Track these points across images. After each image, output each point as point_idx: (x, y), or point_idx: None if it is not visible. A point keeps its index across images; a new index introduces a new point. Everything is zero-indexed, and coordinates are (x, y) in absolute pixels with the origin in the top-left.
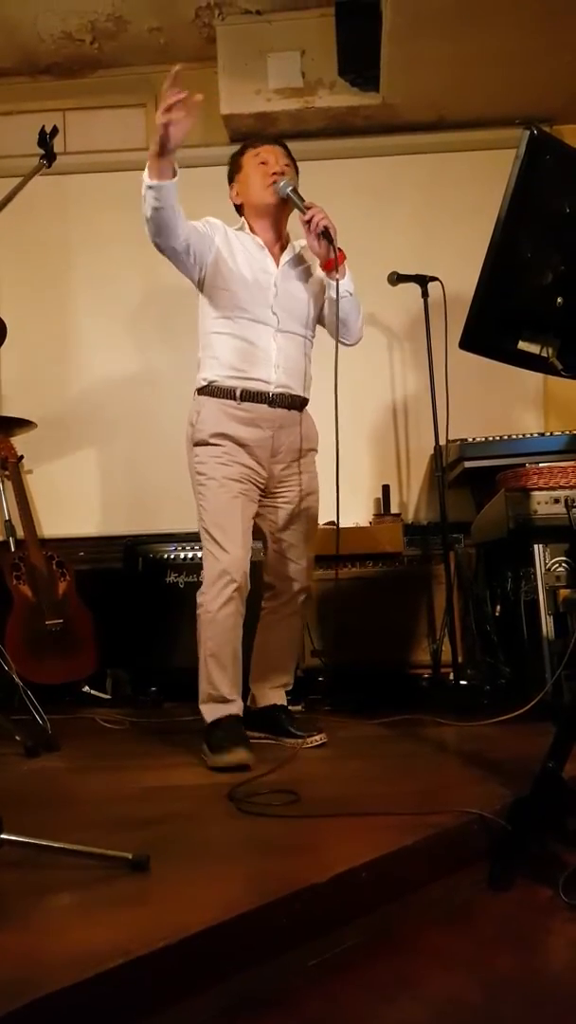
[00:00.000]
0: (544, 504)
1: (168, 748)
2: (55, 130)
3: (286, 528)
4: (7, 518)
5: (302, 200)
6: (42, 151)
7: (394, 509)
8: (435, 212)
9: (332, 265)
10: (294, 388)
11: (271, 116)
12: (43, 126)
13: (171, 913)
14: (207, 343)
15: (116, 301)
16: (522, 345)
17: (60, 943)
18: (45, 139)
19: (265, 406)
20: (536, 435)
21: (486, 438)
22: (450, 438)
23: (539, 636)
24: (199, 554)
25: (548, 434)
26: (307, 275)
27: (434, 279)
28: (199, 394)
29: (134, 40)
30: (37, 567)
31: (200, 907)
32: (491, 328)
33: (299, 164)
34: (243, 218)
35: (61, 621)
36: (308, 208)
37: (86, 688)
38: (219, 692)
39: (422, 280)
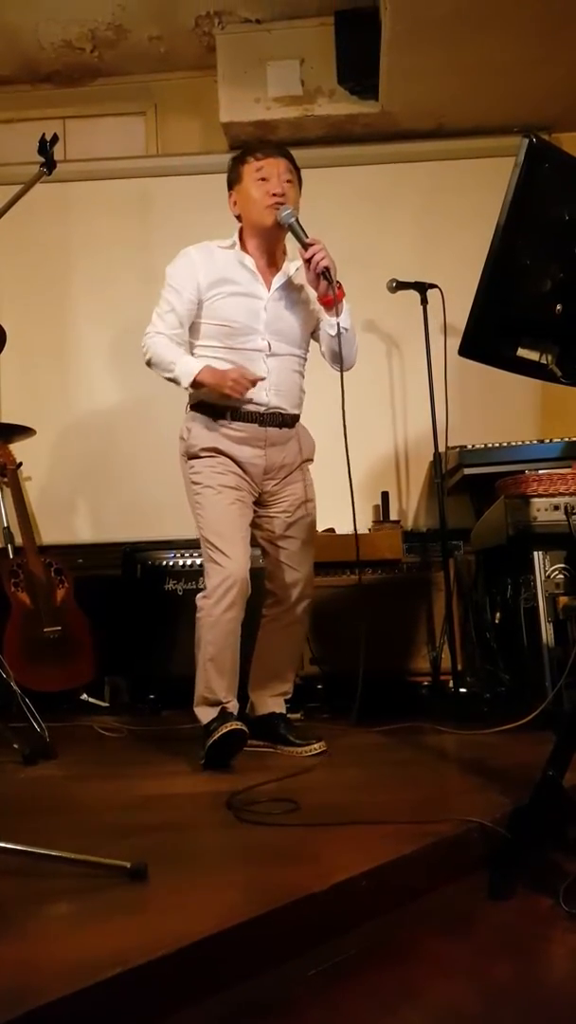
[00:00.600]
0: (543, 511)
1: (166, 756)
2: (55, 138)
3: (284, 536)
4: (6, 525)
5: (304, 234)
6: (42, 159)
7: (393, 516)
8: (434, 219)
9: (331, 303)
10: (286, 408)
11: (270, 124)
12: (43, 134)
13: (170, 922)
14: None
15: (116, 308)
16: (521, 352)
17: (58, 952)
18: (45, 147)
19: (256, 425)
20: (535, 442)
21: (485, 445)
22: (449, 445)
23: (539, 643)
24: (198, 561)
25: (547, 441)
26: (300, 296)
27: (433, 286)
28: (191, 409)
29: (134, 48)
30: (35, 574)
31: (199, 916)
32: (490, 335)
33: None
34: (238, 229)
35: (59, 628)
36: (309, 244)
37: (84, 696)
38: (215, 696)
39: (421, 287)
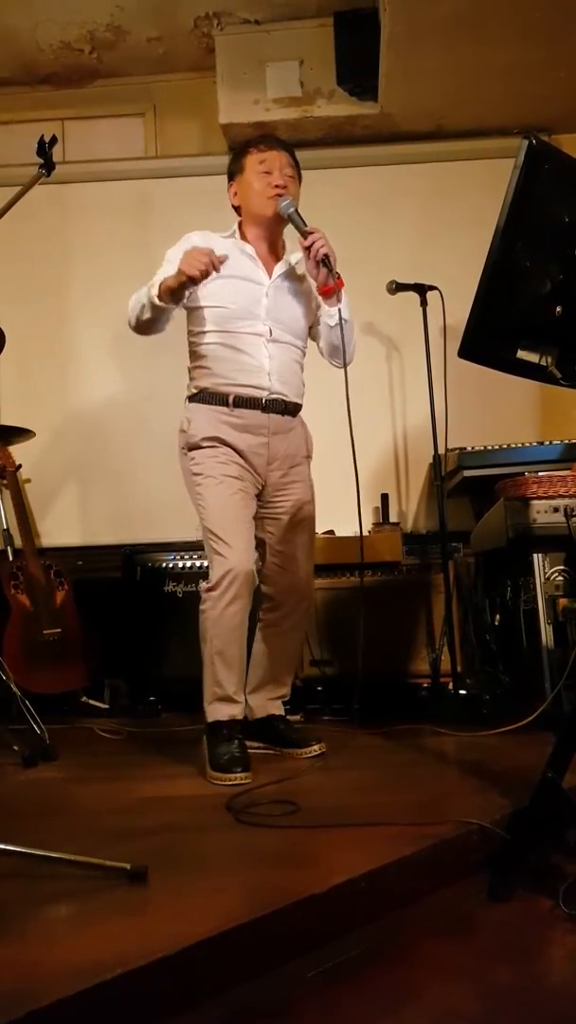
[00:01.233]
0: (543, 513)
1: (166, 758)
2: (54, 139)
3: (286, 539)
4: (5, 527)
5: (304, 223)
6: (41, 160)
7: (393, 518)
8: (434, 221)
9: (330, 292)
10: (288, 395)
11: (270, 125)
12: (42, 135)
13: (169, 924)
14: (197, 353)
15: (115, 309)
16: (521, 354)
17: (57, 954)
18: (44, 148)
19: (258, 412)
20: (535, 444)
21: (485, 447)
22: (449, 447)
23: (538, 645)
24: (198, 563)
25: (547, 443)
26: (300, 288)
27: (433, 288)
28: (190, 401)
29: (133, 50)
30: (35, 576)
31: (199, 918)
32: (490, 337)
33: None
34: (237, 221)
35: (59, 631)
36: (309, 233)
37: (84, 698)
38: (226, 692)
39: (421, 289)
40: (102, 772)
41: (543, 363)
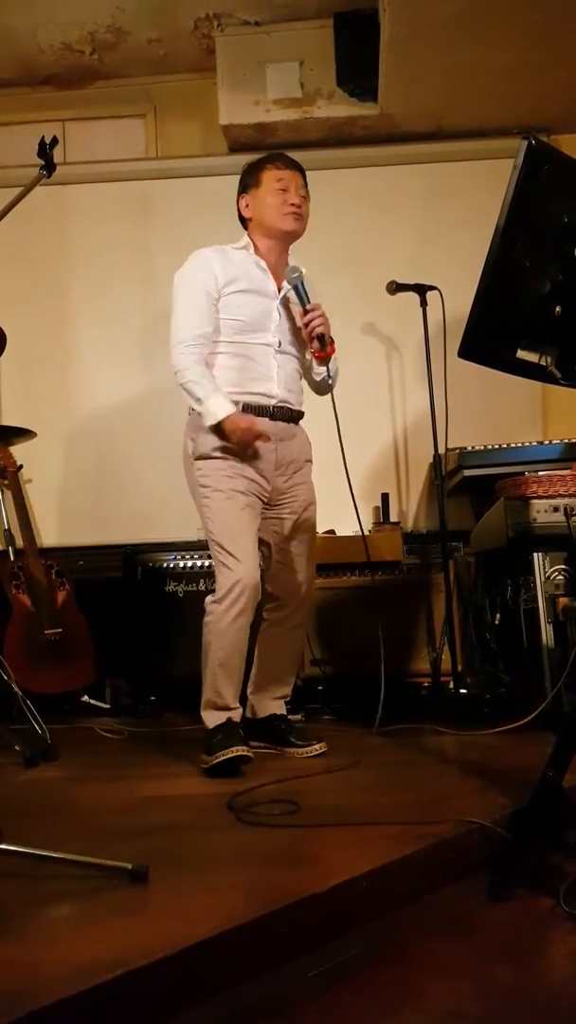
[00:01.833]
0: (543, 512)
1: (167, 758)
2: (55, 140)
3: (290, 540)
4: (6, 527)
5: (308, 299)
6: (42, 161)
7: (393, 517)
8: (434, 221)
9: (321, 357)
10: (293, 403)
11: (270, 126)
12: (43, 136)
13: (170, 924)
14: (208, 362)
15: (115, 310)
16: (521, 354)
17: (58, 954)
18: (45, 149)
19: (267, 419)
20: (535, 443)
21: (485, 446)
22: (449, 446)
23: (539, 644)
24: (199, 563)
25: (547, 442)
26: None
27: (433, 288)
28: None
29: (134, 51)
30: (36, 576)
31: (199, 917)
32: (490, 337)
33: None
34: (247, 233)
35: (60, 630)
36: (310, 310)
37: (85, 697)
38: (223, 700)
39: (421, 289)
40: (103, 772)
41: (543, 363)
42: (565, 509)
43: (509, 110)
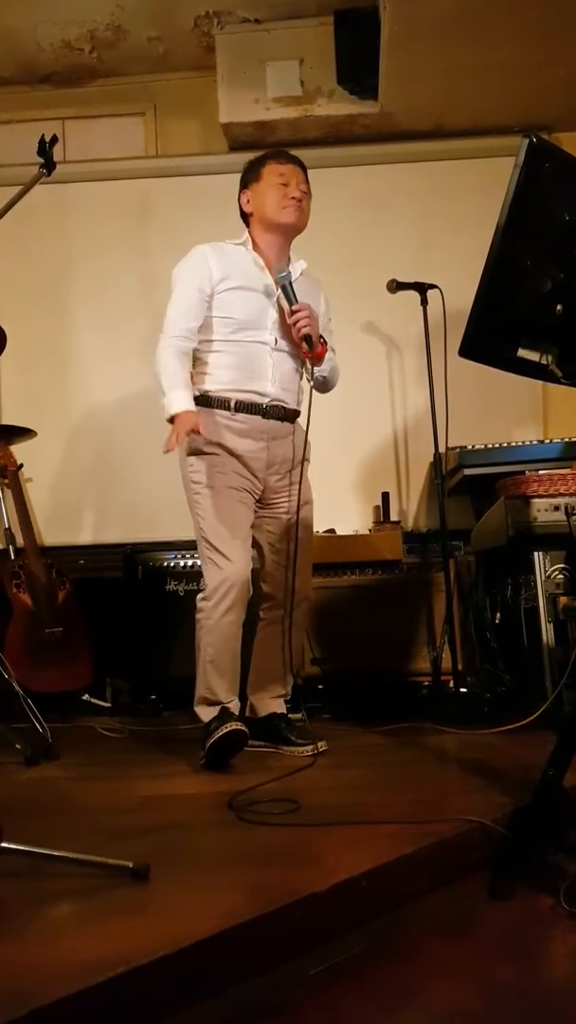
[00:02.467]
0: (544, 511)
1: (168, 756)
2: (54, 139)
3: (286, 539)
4: (7, 526)
5: (295, 299)
6: (41, 160)
7: (394, 517)
8: (434, 220)
9: (310, 357)
10: (288, 402)
11: (270, 125)
12: (43, 135)
13: (171, 922)
14: (202, 359)
15: (116, 308)
16: (521, 352)
17: (59, 952)
18: (44, 148)
19: (259, 417)
20: (535, 442)
21: (485, 445)
22: (449, 445)
23: (539, 643)
24: (199, 562)
25: (547, 441)
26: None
27: (433, 287)
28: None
29: (133, 49)
30: (37, 575)
31: (200, 916)
32: (490, 336)
33: None
34: (247, 229)
35: (60, 629)
36: (296, 311)
37: (86, 696)
38: (216, 697)
39: (421, 288)
40: (104, 771)
41: (544, 362)
42: (566, 508)
43: (510, 108)
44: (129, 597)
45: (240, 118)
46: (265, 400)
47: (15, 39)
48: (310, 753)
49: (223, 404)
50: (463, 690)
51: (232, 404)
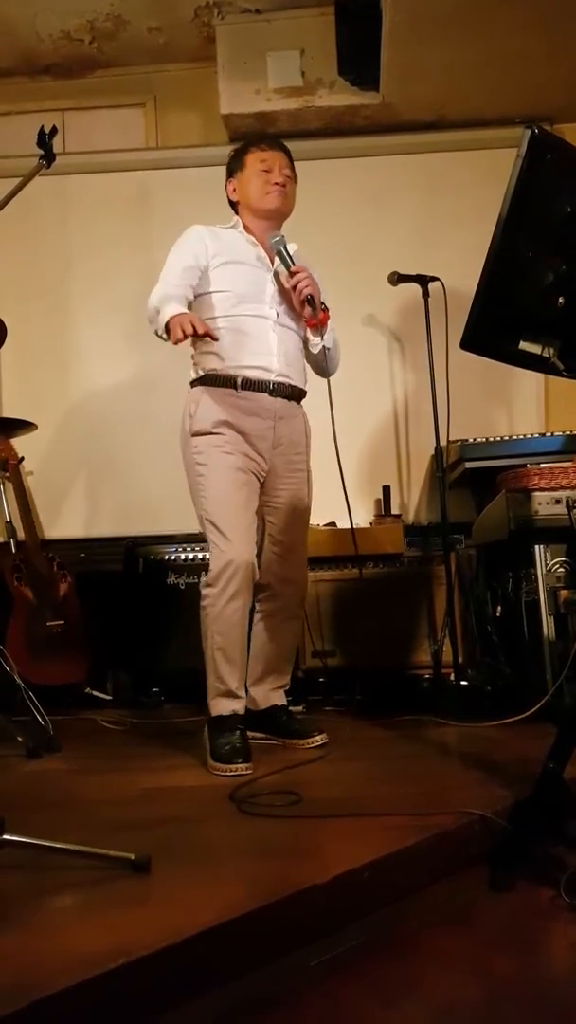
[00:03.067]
0: (545, 505)
1: (169, 749)
2: (54, 130)
3: (284, 529)
4: (8, 519)
5: (292, 262)
6: (41, 151)
7: (395, 510)
8: (435, 212)
9: (315, 325)
10: (294, 379)
11: (271, 116)
12: (42, 126)
13: (172, 914)
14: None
15: (116, 301)
16: (523, 345)
17: (61, 944)
18: (44, 139)
19: (266, 395)
20: (537, 435)
21: (487, 439)
22: (451, 439)
23: (540, 637)
24: (200, 555)
25: (549, 434)
26: None
27: (435, 279)
28: (196, 385)
29: (133, 40)
30: (38, 568)
31: (202, 908)
32: (492, 328)
33: (298, 164)
34: (237, 216)
35: (62, 622)
36: (295, 272)
37: (87, 689)
38: (227, 687)
39: (423, 280)
40: (105, 763)
41: (545, 354)
42: (567, 501)
43: (511, 99)
44: (130, 590)
45: (241, 109)
46: (271, 376)
47: (14, 30)
48: (311, 746)
49: (229, 382)
50: (464, 683)
51: (238, 382)
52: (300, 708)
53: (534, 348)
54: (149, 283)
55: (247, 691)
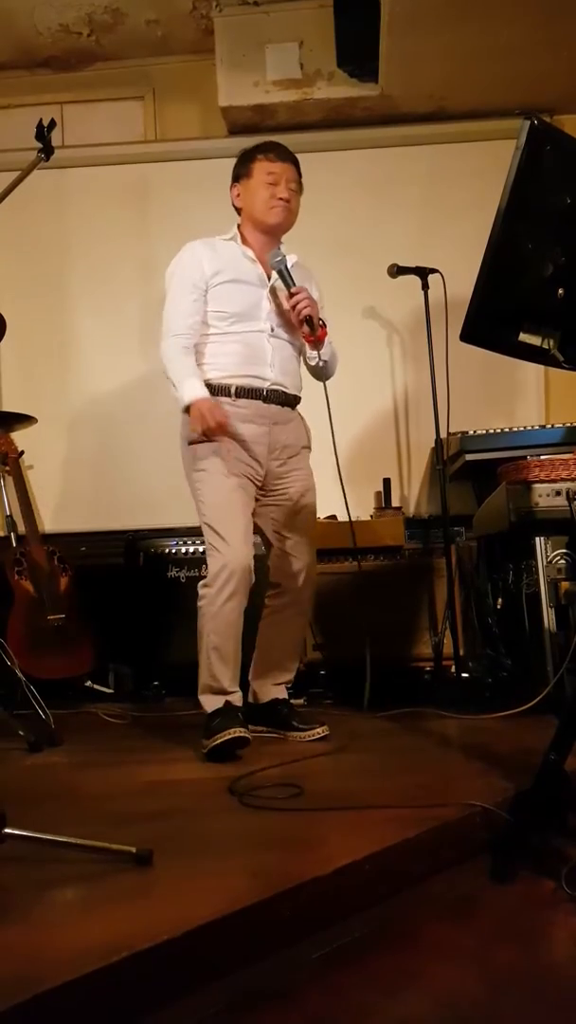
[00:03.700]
0: (545, 496)
1: (171, 742)
2: (53, 123)
3: (288, 527)
4: (8, 513)
5: (292, 283)
6: (40, 144)
7: (395, 502)
8: (435, 204)
9: (312, 342)
10: (288, 387)
11: (270, 108)
12: (41, 119)
13: (174, 907)
14: (201, 351)
15: (115, 294)
16: (523, 337)
17: (63, 937)
18: (43, 132)
19: (260, 402)
20: (537, 427)
21: (487, 431)
22: (451, 431)
23: (540, 629)
24: (200, 549)
25: (549, 426)
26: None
27: (434, 271)
28: None
29: (132, 32)
30: (39, 562)
31: (203, 901)
32: (492, 320)
33: (298, 156)
34: (237, 223)
35: (63, 616)
36: (294, 293)
37: (88, 683)
38: (220, 684)
39: (422, 272)
40: (107, 757)
41: (545, 346)
42: (567, 493)
43: (511, 90)
44: (131, 584)
45: (239, 101)
46: (265, 384)
47: (12, 23)
48: (312, 738)
49: (224, 391)
50: (465, 675)
51: (233, 390)
52: (301, 701)
53: (534, 340)
54: (148, 275)
55: (249, 684)
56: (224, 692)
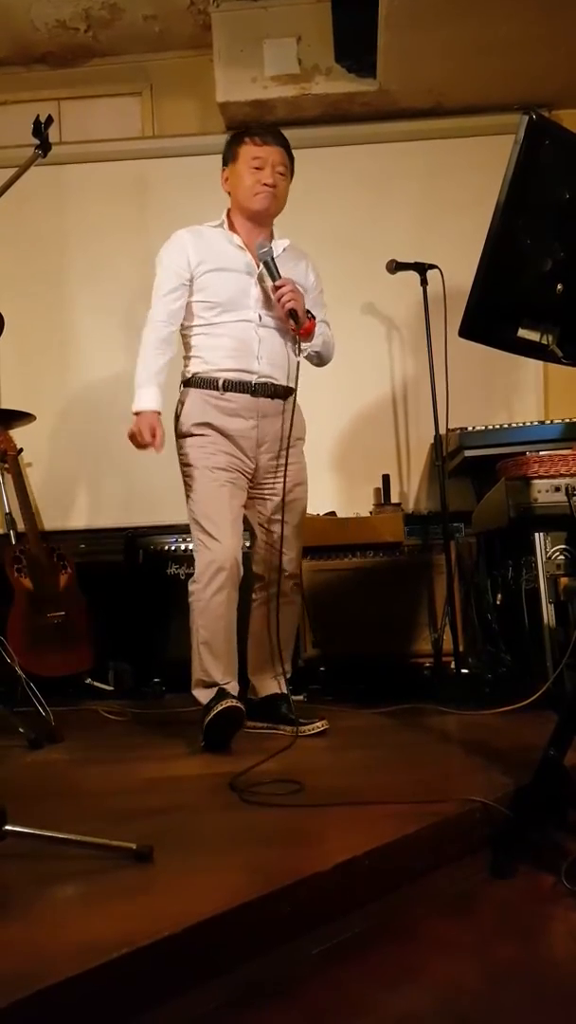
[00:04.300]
0: (544, 492)
1: (171, 739)
2: (50, 119)
3: (275, 520)
4: (7, 511)
5: (277, 274)
6: (37, 141)
7: (394, 499)
8: (434, 199)
9: (297, 334)
10: (277, 378)
11: (268, 103)
12: (38, 115)
13: (175, 903)
14: (189, 344)
15: (113, 291)
16: (522, 333)
17: (64, 934)
18: (40, 129)
19: (248, 396)
20: (536, 423)
21: (486, 427)
22: (450, 427)
23: (540, 625)
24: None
25: (548, 422)
26: (288, 273)
27: (433, 267)
28: (184, 386)
29: (129, 28)
30: (38, 560)
31: (204, 897)
32: (491, 316)
33: (296, 152)
34: (226, 211)
35: (62, 613)
36: (279, 286)
37: (88, 680)
38: (211, 678)
39: (421, 268)
40: (107, 753)
41: (544, 342)
42: (566, 489)
43: (509, 86)
44: (130, 581)
45: (237, 97)
46: (253, 378)
47: (9, 18)
48: (311, 733)
49: (211, 384)
50: (464, 671)
51: (220, 383)
52: (301, 697)
53: (533, 335)
54: (147, 272)
55: (249, 680)
56: (215, 685)
